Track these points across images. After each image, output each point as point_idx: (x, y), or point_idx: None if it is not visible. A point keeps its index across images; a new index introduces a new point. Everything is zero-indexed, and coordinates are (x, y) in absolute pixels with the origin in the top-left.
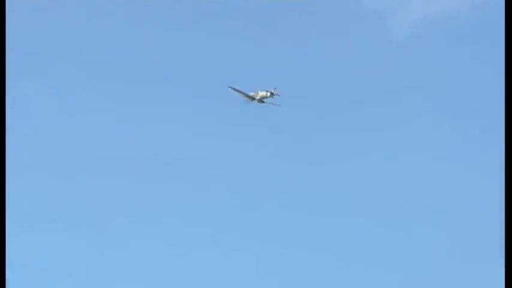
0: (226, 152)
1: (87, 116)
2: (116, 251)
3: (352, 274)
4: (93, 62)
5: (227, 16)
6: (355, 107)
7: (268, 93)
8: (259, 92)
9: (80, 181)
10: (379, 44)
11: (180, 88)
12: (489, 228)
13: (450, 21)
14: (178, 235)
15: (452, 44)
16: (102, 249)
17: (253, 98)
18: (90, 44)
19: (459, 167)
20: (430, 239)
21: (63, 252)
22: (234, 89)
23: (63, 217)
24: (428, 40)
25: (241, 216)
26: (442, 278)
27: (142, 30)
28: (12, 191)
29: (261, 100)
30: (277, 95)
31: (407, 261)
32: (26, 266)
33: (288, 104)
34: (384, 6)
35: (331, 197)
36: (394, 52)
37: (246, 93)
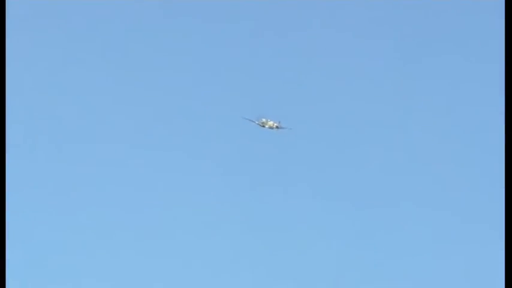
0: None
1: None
2: None
3: None
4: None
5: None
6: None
7: (275, 125)
8: (269, 121)
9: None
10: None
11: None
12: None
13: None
14: None
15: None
16: None
17: (263, 126)
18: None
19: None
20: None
21: None
22: (247, 119)
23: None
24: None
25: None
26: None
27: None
28: None
29: (270, 127)
30: (282, 128)
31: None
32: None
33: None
34: None
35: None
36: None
37: (257, 121)
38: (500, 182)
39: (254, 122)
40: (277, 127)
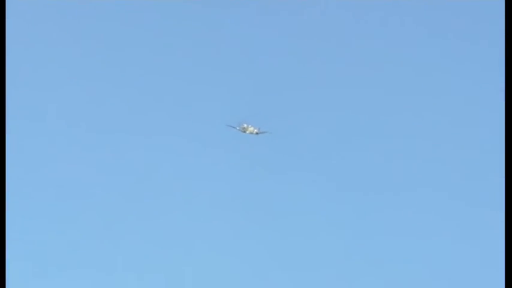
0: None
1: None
2: None
3: None
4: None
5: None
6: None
7: (255, 131)
8: (249, 126)
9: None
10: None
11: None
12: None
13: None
14: None
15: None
16: None
17: (244, 131)
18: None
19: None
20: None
21: None
22: (230, 126)
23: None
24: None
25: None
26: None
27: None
28: None
29: (251, 133)
30: (262, 132)
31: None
32: None
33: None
34: None
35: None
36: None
37: (238, 127)
38: (500, 171)
39: (235, 128)
40: (257, 133)
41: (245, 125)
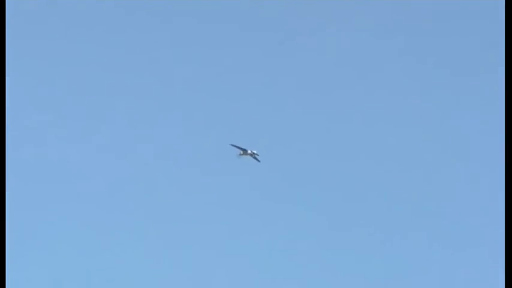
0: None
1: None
2: None
3: None
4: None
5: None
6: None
7: (251, 153)
8: (248, 151)
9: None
10: None
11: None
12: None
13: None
14: None
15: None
16: None
17: (246, 151)
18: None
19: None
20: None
21: None
22: (234, 145)
23: None
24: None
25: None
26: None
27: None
28: None
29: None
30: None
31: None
32: None
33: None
34: None
35: None
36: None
37: (243, 148)
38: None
39: (240, 148)
40: (252, 155)
41: (243, 150)
